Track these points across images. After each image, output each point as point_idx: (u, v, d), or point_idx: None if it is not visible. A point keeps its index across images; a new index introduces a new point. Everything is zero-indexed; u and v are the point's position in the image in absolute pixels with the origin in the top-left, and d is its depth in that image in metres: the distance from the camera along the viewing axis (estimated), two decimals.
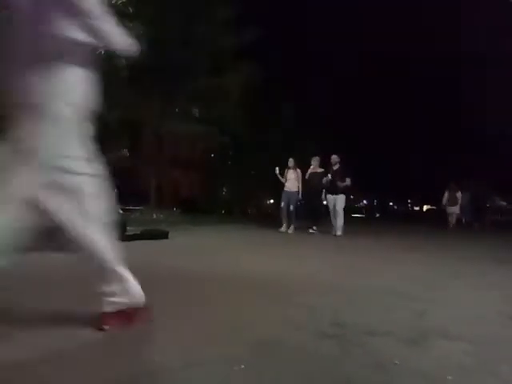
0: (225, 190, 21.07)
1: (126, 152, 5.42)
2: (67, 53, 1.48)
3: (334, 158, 7.77)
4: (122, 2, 8.27)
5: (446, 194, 12.89)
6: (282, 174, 8.09)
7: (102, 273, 1.60)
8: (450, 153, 33.91)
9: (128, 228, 5.88)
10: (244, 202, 20.11)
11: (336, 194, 7.62)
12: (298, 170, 7.94)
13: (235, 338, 1.58)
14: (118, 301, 1.62)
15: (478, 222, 14.62)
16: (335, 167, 7.71)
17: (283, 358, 1.40)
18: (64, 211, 1.49)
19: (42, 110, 1.43)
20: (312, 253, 4.73)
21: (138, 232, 5.56)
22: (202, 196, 18.19)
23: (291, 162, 8.16)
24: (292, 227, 7.70)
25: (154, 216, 10.65)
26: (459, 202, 12.73)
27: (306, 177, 7.95)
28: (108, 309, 1.62)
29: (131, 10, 8.53)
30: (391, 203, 52.41)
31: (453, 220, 12.59)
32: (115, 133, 11.36)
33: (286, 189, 7.92)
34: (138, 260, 3.71)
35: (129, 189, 16.79)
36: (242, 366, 1.30)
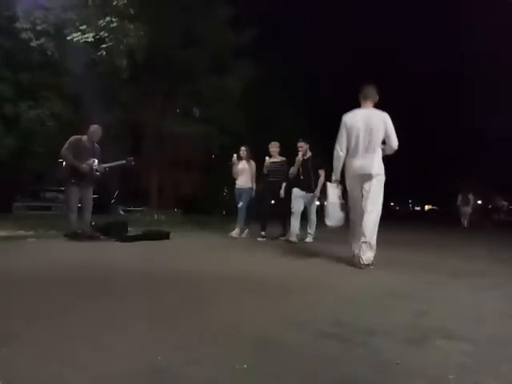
0: (226, 190, 21.06)
1: (132, 160, 5.43)
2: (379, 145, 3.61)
3: (302, 144, 5.90)
4: (123, 4, 8.28)
5: (460, 196, 13.78)
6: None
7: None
8: (450, 152, 33.85)
9: (129, 229, 5.90)
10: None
11: (306, 191, 5.86)
12: (252, 162, 6.57)
13: (235, 338, 1.58)
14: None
15: (486, 221, 15.34)
16: (306, 156, 5.93)
17: (284, 357, 1.40)
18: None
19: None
20: (311, 253, 4.73)
21: (140, 233, 5.57)
22: (202, 197, 18.20)
23: (243, 151, 6.57)
24: (246, 231, 6.47)
25: (155, 217, 10.67)
26: (471, 202, 13.72)
27: (265, 170, 6.36)
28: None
29: (132, 12, 8.54)
30: (392, 203, 52.36)
31: (465, 220, 13.48)
32: (116, 134, 11.39)
33: (237, 186, 6.59)
34: (139, 260, 3.70)
35: (130, 190, 16.84)
36: (245, 366, 1.31)
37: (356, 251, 3.56)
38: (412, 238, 7.89)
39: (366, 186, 3.55)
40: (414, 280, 3.02)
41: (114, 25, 8.29)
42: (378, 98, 3.73)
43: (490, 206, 20.49)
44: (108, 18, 8.29)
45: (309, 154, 5.94)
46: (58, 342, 1.50)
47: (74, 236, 5.07)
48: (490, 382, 1.27)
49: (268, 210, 6.47)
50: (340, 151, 3.71)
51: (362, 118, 3.61)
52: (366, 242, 3.44)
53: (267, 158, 6.36)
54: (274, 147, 6.40)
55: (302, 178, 5.87)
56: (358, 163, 3.60)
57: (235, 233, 6.36)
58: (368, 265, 3.45)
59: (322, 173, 5.85)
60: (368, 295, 2.44)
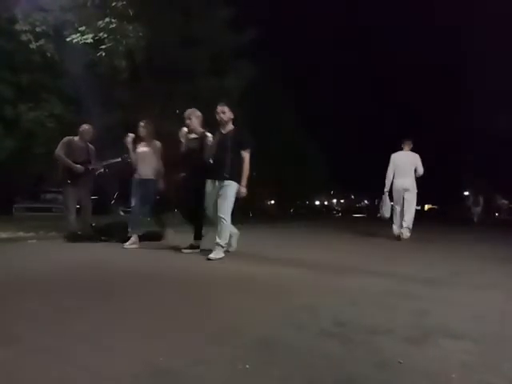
0: None
1: (128, 157, 5.32)
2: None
3: (223, 108, 4.06)
4: (122, 5, 8.29)
5: (471, 197, 16.13)
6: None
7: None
8: (449, 152, 33.87)
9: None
10: (244, 203, 20.10)
11: (220, 178, 3.96)
12: (156, 143, 4.96)
13: (237, 339, 1.58)
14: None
15: (488, 219, 17.27)
16: (225, 129, 4.07)
17: (285, 357, 1.40)
18: None
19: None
20: (310, 253, 4.73)
21: (140, 233, 5.56)
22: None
23: (143, 128, 4.92)
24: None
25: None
26: (481, 203, 15.66)
27: (184, 147, 4.43)
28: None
29: (131, 13, 8.54)
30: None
31: (476, 218, 15.37)
32: (116, 135, 11.38)
33: (136, 176, 4.88)
34: (139, 261, 3.71)
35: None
36: (247, 366, 1.31)
37: (397, 231, 6.15)
38: (412, 237, 7.87)
39: (405, 195, 6.15)
40: (414, 279, 3.02)
41: (113, 26, 8.29)
42: (412, 145, 6.35)
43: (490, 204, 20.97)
44: (107, 19, 8.29)
45: (230, 126, 4.08)
46: (59, 343, 1.50)
47: (74, 237, 5.06)
48: (492, 380, 1.27)
49: (197, 208, 4.30)
50: (390, 175, 6.31)
51: (402, 156, 6.34)
52: (408, 227, 6.08)
53: (184, 129, 4.42)
54: (192, 117, 4.36)
55: (215, 160, 3.98)
56: (400, 182, 6.20)
57: (130, 243, 4.60)
58: (406, 239, 5.97)
59: (246, 155, 4.00)
60: (368, 294, 2.43)
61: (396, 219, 6.28)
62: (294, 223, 13.25)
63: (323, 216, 26.92)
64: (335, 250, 5.09)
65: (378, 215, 6.58)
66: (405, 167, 6.20)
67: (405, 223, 6.04)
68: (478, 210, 15.51)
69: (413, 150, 6.40)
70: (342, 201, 56.68)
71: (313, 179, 23.87)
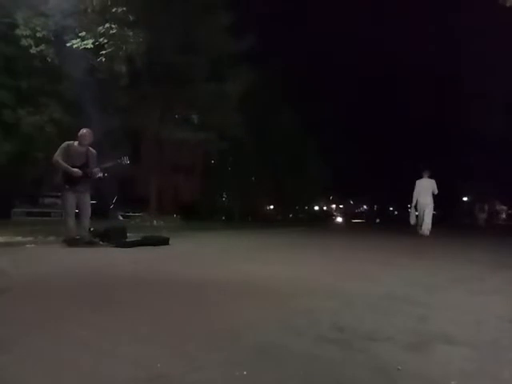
0: (225, 195, 21.07)
1: (126, 159, 5.34)
2: None
3: None
4: (123, 11, 8.34)
5: (477, 205, 17.93)
6: None
7: None
8: (448, 156, 33.97)
9: (128, 234, 5.88)
10: (244, 208, 20.08)
11: None
12: None
13: (235, 344, 1.57)
14: None
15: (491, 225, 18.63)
16: None
17: (284, 363, 1.39)
18: None
19: None
20: (311, 257, 4.72)
21: (139, 238, 5.56)
22: (202, 202, 18.18)
23: None
24: None
25: (155, 222, 10.67)
26: (486, 210, 17.59)
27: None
28: None
29: (131, 18, 8.60)
30: (391, 208, 52.36)
31: (482, 223, 16.99)
32: (115, 139, 11.40)
33: None
34: (138, 266, 3.70)
35: (129, 195, 16.82)
36: (245, 373, 1.30)
37: (421, 231, 8.79)
38: (411, 242, 7.88)
39: (426, 208, 8.90)
40: (413, 284, 3.01)
41: (114, 31, 8.34)
42: (430, 173, 9.08)
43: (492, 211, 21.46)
44: (107, 25, 8.34)
45: None
46: (57, 348, 1.49)
47: (72, 242, 5.05)
48: None
49: None
50: (415, 195, 9.13)
51: (423, 181, 9.10)
52: (428, 228, 8.80)
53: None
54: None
55: None
56: (423, 199, 8.96)
57: None
58: (428, 236, 8.57)
59: None
60: (368, 299, 2.43)
61: (419, 223, 9.10)
62: (294, 228, 13.25)
63: (322, 221, 26.92)
64: (335, 254, 5.08)
65: (410, 220, 9.54)
66: (425, 189, 9.07)
67: (427, 226, 8.95)
68: (483, 216, 17.13)
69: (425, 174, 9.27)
70: (341, 206, 56.72)
71: (312, 184, 23.91)
